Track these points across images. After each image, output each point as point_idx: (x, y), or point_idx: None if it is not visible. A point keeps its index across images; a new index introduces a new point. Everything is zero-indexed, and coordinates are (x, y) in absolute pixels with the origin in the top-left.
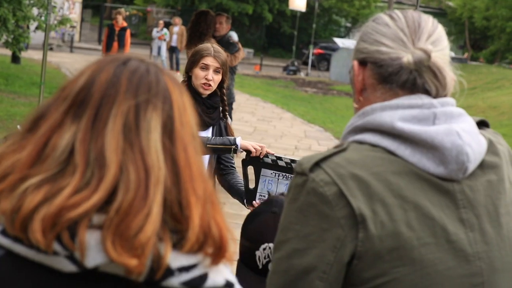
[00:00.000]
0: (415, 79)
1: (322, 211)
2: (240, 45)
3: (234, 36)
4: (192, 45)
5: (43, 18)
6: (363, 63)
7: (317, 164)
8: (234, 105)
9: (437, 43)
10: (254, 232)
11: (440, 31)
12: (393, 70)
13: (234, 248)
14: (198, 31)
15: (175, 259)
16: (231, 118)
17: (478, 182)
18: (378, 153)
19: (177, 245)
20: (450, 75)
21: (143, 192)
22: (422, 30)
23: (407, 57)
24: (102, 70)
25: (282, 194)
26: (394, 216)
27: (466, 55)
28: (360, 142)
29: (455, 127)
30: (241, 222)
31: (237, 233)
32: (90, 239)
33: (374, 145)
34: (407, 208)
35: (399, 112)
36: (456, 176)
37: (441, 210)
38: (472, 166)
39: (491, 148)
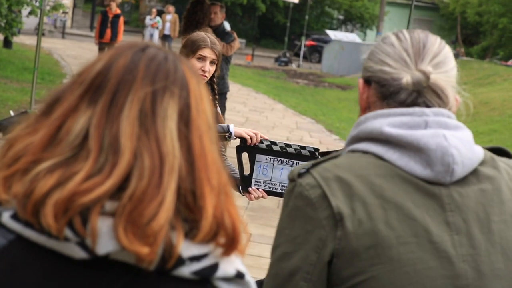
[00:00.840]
0: (415, 99)
1: (307, 213)
2: (235, 35)
3: (227, 26)
4: (188, 34)
5: (36, 3)
6: (368, 81)
7: (307, 170)
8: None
9: (441, 65)
10: None
11: (446, 52)
12: (394, 90)
13: (247, 240)
14: (194, 20)
15: (187, 249)
16: (225, 107)
17: (469, 189)
18: (367, 158)
19: (189, 235)
20: (453, 95)
21: (157, 180)
22: (427, 51)
23: (406, 78)
24: (120, 56)
25: None
26: (373, 214)
27: (461, 50)
28: (353, 151)
29: (443, 131)
30: None
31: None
32: (102, 226)
33: (365, 152)
34: (388, 208)
35: (390, 119)
36: (443, 179)
37: (425, 211)
38: (459, 169)
39: (492, 162)
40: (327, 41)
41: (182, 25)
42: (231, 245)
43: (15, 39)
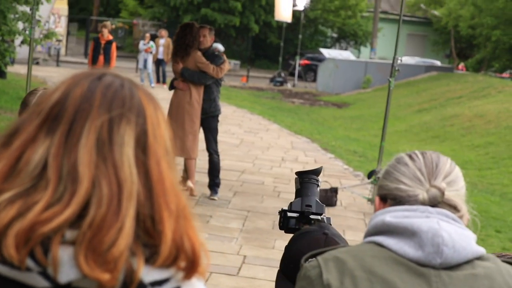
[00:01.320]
0: None
1: None
2: (225, 57)
3: (220, 47)
4: (178, 57)
5: (28, 32)
6: (383, 199)
7: (313, 255)
8: (220, 117)
9: (453, 184)
10: (304, 246)
11: (457, 172)
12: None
13: (207, 261)
14: (184, 44)
15: (147, 274)
16: (217, 130)
17: (460, 273)
18: (367, 245)
19: (150, 260)
20: (465, 210)
21: (115, 207)
22: (440, 170)
23: (422, 195)
24: (76, 85)
25: (329, 224)
26: (359, 285)
27: (461, 65)
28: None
29: (438, 220)
30: (228, 235)
31: (223, 246)
32: (63, 254)
33: (369, 242)
34: (374, 281)
35: (394, 213)
36: (434, 260)
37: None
38: (449, 251)
39: (493, 260)
40: (321, 59)
41: (172, 49)
42: (191, 268)
43: (10, 69)
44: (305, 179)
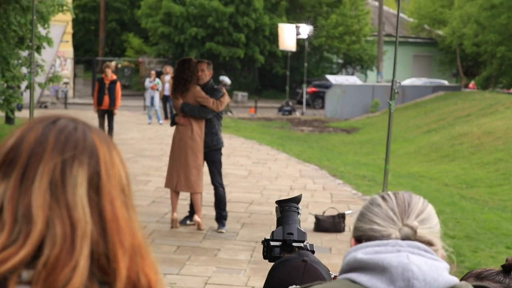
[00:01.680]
0: None
1: None
2: (224, 90)
3: (227, 80)
4: (178, 93)
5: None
6: (358, 240)
7: None
8: (229, 150)
9: (425, 221)
10: (284, 274)
11: (429, 210)
12: None
13: None
14: (182, 79)
15: None
16: (221, 163)
17: None
18: (341, 282)
19: None
20: (441, 245)
21: (69, 246)
22: (412, 209)
23: (395, 234)
24: (31, 130)
25: (312, 251)
26: None
27: (471, 84)
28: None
29: (408, 253)
30: (236, 267)
31: (231, 279)
32: None
33: (343, 279)
34: None
35: (365, 249)
36: None
37: None
38: (419, 284)
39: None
40: (328, 86)
41: (171, 85)
42: None
43: (18, 114)
44: (285, 208)
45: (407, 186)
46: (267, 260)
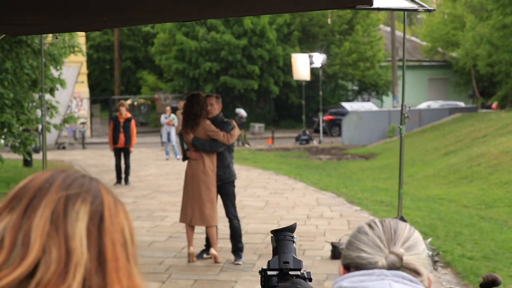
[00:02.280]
0: None
1: None
2: (234, 123)
3: (243, 113)
4: (188, 128)
5: (48, 119)
6: (347, 268)
7: None
8: (246, 182)
9: (412, 248)
10: None
11: (416, 237)
12: None
13: None
14: (192, 114)
15: None
16: (234, 195)
17: None
18: None
19: None
20: (427, 273)
21: (62, 270)
22: (398, 236)
23: (381, 261)
24: (42, 174)
25: (309, 278)
26: None
27: (494, 104)
28: None
29: (389, 281)
30: None
31: None
32: None
33: None
34: None
35: (351, 278)
36: None
37: None
38: None
39: None
40: (344, 113)
41: (182, 120)
42: None
43: (36, 156)
44: (280, 237)
45: (425, 210)
46: None
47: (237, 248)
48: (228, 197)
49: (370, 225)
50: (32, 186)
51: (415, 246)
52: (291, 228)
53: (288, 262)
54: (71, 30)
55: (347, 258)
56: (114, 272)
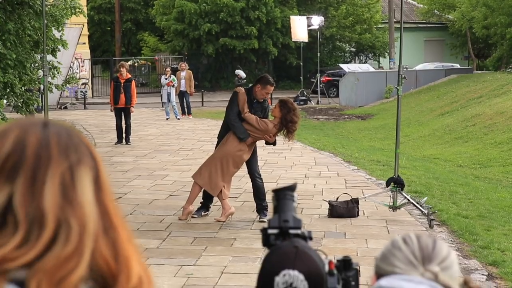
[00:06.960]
0: None
1: None
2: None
3: (242, 74)
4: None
5: (50, 80)
6: (380, 278)
7: None
8: None
9: (448, 269)
10: (276, 260)
11: (452, 259)
12: None
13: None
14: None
15: None
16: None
17: None
18: None
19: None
20: None
21: (78, 241)
22: (436, 255)
23: None
24: (27, 133)
25: (305, 237)
26: None
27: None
28: None
29: (427, 286)
30: (252, 255)
31: (247, 267)
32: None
33: None
34: None
35: (390, 279)
36: None
37: None
38: None
39: None
40: (342, 74)
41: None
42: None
43: (37, 116)
44: (281, 196)
45: (421, 169)
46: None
47: (261, 207)
48: (253, 154)
49: (405, 240)
50: (29, 153)
51: (450, 268)
52: (292, 188)
53: (287, 221)
54: None
55: (380, 269)
56: (121, 225)
